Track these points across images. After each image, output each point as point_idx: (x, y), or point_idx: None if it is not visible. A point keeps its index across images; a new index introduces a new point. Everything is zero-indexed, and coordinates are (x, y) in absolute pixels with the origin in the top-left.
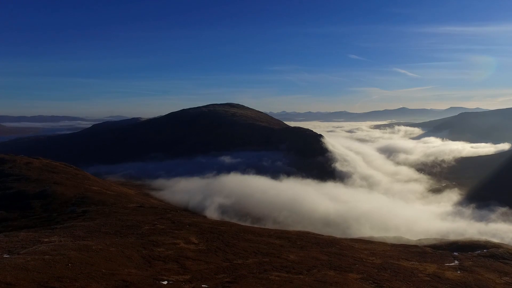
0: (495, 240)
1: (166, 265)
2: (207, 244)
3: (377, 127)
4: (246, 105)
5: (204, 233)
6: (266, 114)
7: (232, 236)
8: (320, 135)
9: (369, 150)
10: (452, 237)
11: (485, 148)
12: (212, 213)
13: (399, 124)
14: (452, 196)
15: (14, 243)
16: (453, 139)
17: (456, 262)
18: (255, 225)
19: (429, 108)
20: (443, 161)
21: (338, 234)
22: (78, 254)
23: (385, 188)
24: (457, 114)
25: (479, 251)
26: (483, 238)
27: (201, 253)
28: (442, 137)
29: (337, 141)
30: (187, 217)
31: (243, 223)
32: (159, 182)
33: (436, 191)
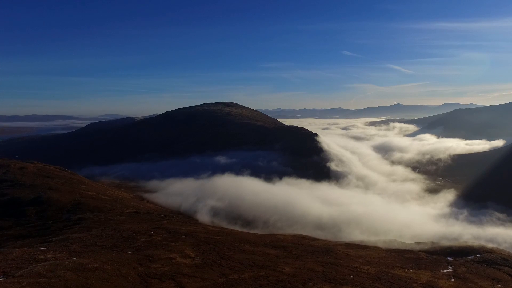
0: (491, 244)
1: (163, 283)
2: (203, 258)
3: (372, 124)
4: (241, 102)
5: (200, 244)
6: (261, 112)
7: (228, 247)
8: (315, 134)
9: (364, 149)
10: (447, 241)
11: (480, 145)
12: (203, 217)
13: (394, 120)
14: (448, 196)
15: (9, 262)
16: (448, 136)
17: (450, 268)
18: (245, 229)
19: (423, 104)
20: (438, 159)
21: (330, 237)
22: (74, 275)
23: (381, 188)
24: (451, 111)
25: (472, 256)
26: (477, 242)
27: (198, 268)
28: (437, 134)
29: (333, 140)
30: (183, 224)
31: (232, 226)
32: (153, 183)
33: (432, 191)
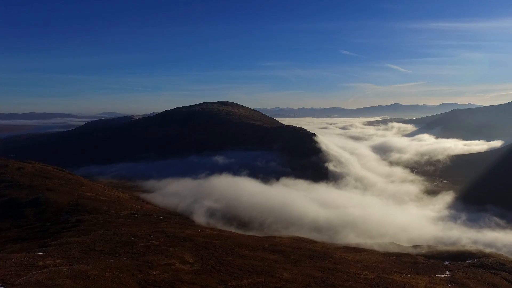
0: (490, 249)
1: None
2: (202, 263)
3: (371, 123)
4: (239, 101)
5: (199, 249)
6: (260, 112)
7: (226, 252)
8: (314, 134)
9: (363, 149)
10: (445, 245)
11: (478, 146)
12: (200, 218)
13: (392, 120)
14: (446, 197)
15: (8, 269)
16: (446, 136)
17: (448, 273)
18: (241, 230)
19: (421, 104)
20: (437, 160)
21: (326, 240)
22: (74, 284)
23: (379, 189)
24: (449, 111)
25: (469, 261)
26: (474, 247)
27: (197, 274)
28: (435, 134)
29: (331, 140)
30: (181, 227)
31: (228, 227)
32: (151, 183)
33: (430, 192)
